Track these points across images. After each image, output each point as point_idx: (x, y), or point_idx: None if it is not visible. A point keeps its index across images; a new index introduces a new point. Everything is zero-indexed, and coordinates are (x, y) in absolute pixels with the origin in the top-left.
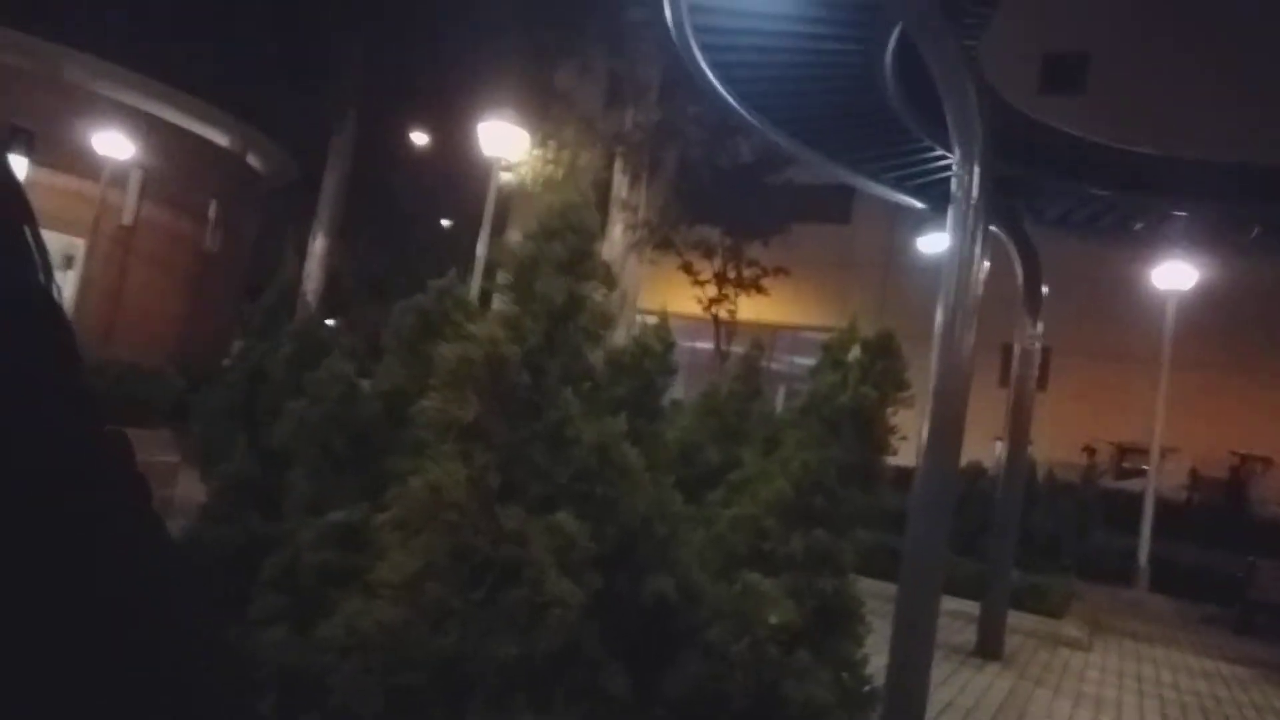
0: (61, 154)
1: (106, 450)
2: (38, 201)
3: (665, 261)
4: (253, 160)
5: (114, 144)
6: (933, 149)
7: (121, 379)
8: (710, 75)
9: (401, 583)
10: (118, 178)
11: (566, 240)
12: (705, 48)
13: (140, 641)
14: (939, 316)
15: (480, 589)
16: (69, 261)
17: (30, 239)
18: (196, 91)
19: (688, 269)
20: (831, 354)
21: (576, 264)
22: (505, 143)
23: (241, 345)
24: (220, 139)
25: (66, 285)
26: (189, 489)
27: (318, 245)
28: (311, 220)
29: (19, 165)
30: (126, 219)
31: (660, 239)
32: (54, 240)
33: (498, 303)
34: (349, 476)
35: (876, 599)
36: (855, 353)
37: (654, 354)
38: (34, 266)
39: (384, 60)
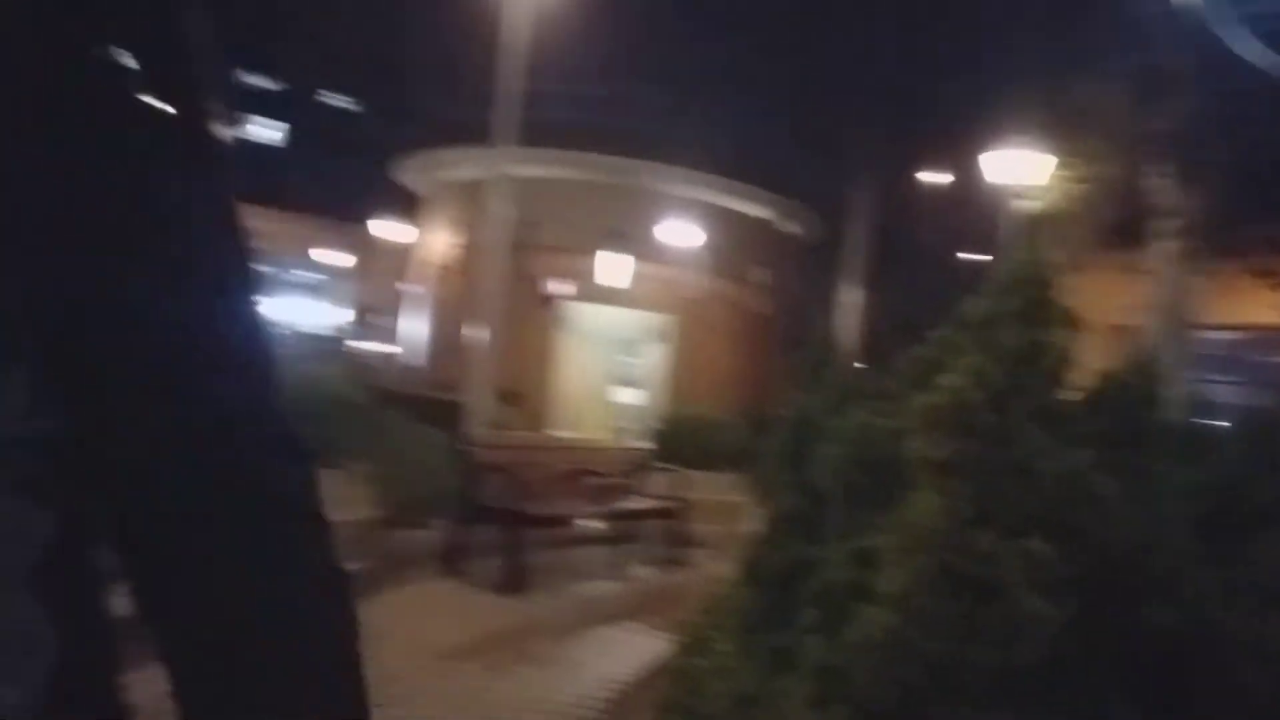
0: (649, 247)
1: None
2: (639, 289)
3: (1230, 268)
4: (790, 227)
5: (685, 233)
6: None
7: (699, 430)
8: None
9: (896, 594)
10: (691, 260)
11: (1024, 293)
12: (1254, 18)
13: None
14: None
15: (960, 603)
16: (661, 335)
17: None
18: (742, 177)
19: (1261, 273)
20: None
21: (1034, 313)
22: (1019, 169)
23: (793, 395)
24: (763, 213)
25: (661, 355)
26: (752, 524)
27: (848, 295)
28: (841, 273)
29: (625, 264)
30: (698, 295)
31: (1217, 243)
32: (653, 319)
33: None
34: (868, 507)
35: None
36: None
37: (1132, 388)
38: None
39: (896, 109)
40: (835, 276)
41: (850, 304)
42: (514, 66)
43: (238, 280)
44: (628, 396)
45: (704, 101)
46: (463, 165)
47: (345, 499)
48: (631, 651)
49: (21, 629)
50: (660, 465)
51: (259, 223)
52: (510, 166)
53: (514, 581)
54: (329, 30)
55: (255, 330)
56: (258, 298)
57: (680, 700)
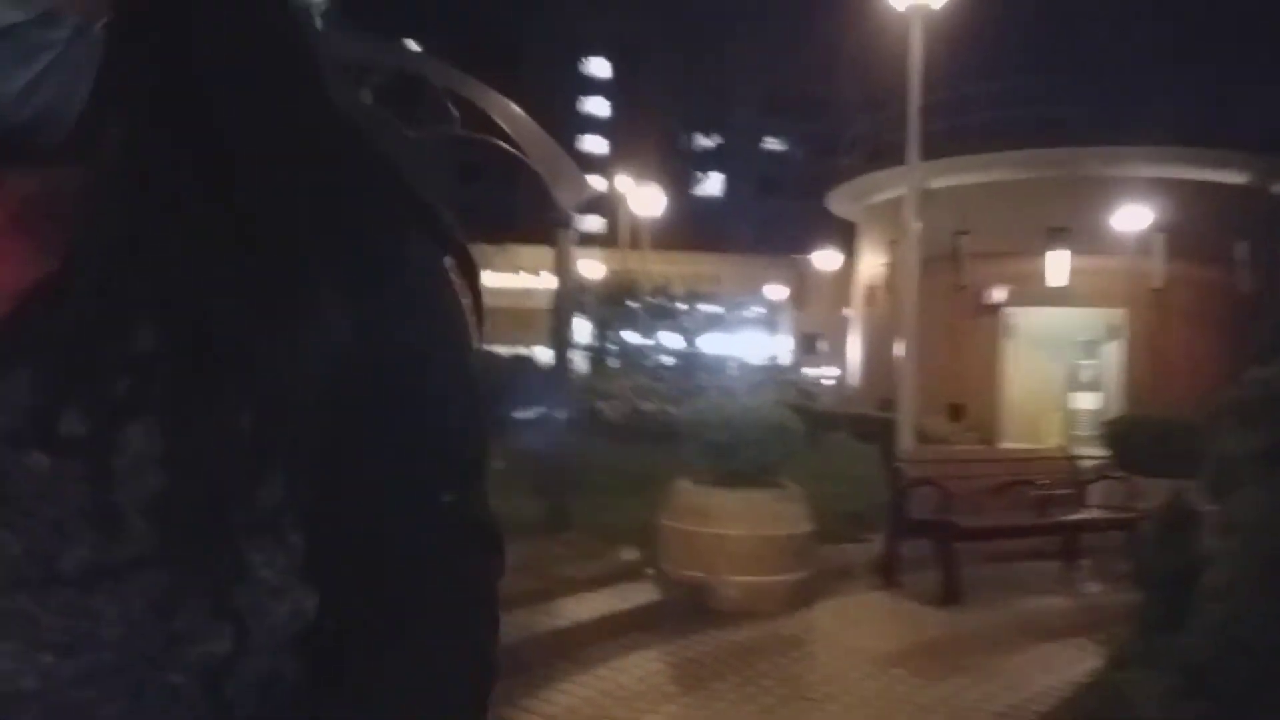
0: (1092, 240)
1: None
2: (1082, 285)
3: None
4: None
5: (1134, 217)
6: None
7: (1159, 433)
8: None
9: (1223, 589)
10: (1148, 246)
11: None
12: None
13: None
14: None
15: None
16: (1115, 331)
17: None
18: (1210, 141)
19: None
20: None
21: None
22: None
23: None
24: (1241, 178)
25: (1115, 352)
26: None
27: None
28: None
29: (1070, 260)
30: (1156, 282)
31: None
32: (1099, 315)
33: None
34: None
35: None
36: None
37: None
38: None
39: None
40: None
41: None
42: (920, 79)
43: (470, 365)
44: (1085, 401)
45: (1153, 70)
46: (890, 186)
47: (782, 515)
48: (1070, 667)
49: (281, 685)
50: (1114, 474)
51: (710, 267)
52: (935, 178)
53: (949, 594)
54: (762, 84)
55: (480, 419)
56: (486, 382)
57: (1097, 712)
